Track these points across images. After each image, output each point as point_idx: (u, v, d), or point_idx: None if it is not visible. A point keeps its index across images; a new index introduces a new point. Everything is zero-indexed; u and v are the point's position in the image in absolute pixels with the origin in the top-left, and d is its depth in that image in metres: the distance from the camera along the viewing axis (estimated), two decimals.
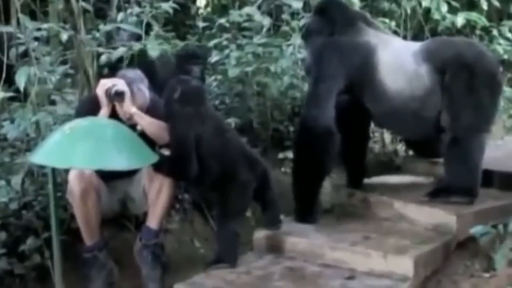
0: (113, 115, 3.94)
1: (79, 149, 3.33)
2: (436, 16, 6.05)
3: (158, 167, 3.81)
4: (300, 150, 4.37)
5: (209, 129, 3.86)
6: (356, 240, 4.01)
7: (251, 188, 3.93)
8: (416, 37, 6.27)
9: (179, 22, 7.16)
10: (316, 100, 4.28)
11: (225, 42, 5.45)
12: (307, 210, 4.36)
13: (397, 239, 4.02)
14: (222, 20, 5.53)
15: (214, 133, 3.87)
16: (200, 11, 7.70)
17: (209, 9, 7.77)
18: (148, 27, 5.28)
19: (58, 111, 4.36)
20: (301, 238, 4.09)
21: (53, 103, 4.54)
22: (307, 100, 4.44)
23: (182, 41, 5.73)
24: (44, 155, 3.38)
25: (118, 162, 3.40)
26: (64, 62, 4.61)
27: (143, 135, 3.86)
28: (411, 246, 3.89)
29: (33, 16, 4.59)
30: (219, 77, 5.64)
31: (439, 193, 4.37)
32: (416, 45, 4.50)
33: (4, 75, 4.50)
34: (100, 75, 4.53)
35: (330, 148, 4.26)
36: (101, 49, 4.52)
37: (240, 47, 5.33)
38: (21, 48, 4.17)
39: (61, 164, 3.37)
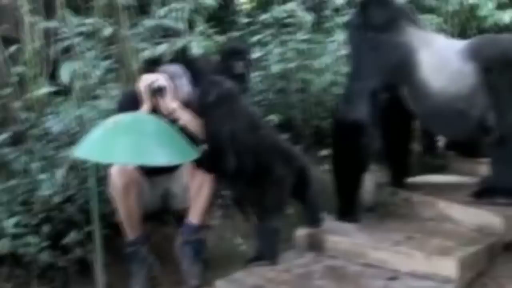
0: (154, 110, 3.92)
1: (120, 144, 3.34)
2: (483, 12, 5.92)
3: (199, 163, 3.79)
4: (335, 146, 4.35)
5: (243, 126, 3.84)
6: (399, 240, 3.93)
7: (288, 183, 3.89)
8: (462, 34, 6.17)
9: (222, 17, 7.12)
10: (349, 96, 4.27)
11: (267, 38, 5.39)
12: (348, 209, 4.30)
13: (441, 240, 3.93)
14: (265, 16, 5.48)
15: (247, 130, 3.85)
16: (244, 6, 7.67)
17: (252, 4, 7.74)
18: (192, 22, 5.29)
19: (101, 105, 4.37)
20: (342, 237, 4.03)
21: (96, 97, 4.54)
22: (341, 96, 4.43)
23: (225, 36, 5.70)
24: (86, 150, 3.40)
25: (159, 158, 3.40)
26: (107, 57, 4.60)
27: (184, 131, 3.84)
28: (455, 248, 3.80)
29: (77, 11, 4.60)
30: (261, 73, 5.59)
31: (484, 194, 4.26)
32: (460, 43, 4.39)
33: (49, 69, 4.57)
34: (143, 70, 4.53)
35: (363, 143, 4.21)
36: (143, 45, 4.50)
37: (282, 43, 5.28)
38: (65, 43, 4.17)
39: (102, 159, 3.38)
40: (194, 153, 3.60)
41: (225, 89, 3.91)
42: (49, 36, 4.55)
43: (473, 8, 5.98)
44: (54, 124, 4.02)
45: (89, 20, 4.17)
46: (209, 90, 3.86)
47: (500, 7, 5.95)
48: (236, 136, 3.79)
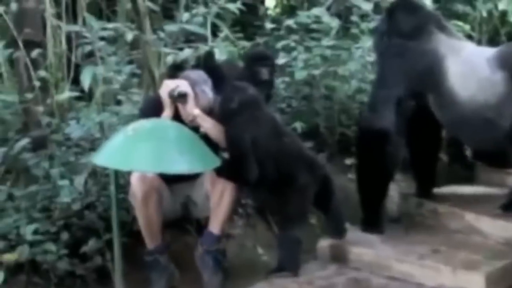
0: (176, 116, 3.89)
1: (141, 151, 3.31)
2: None
3: (220, 171, 3.74)
4: (360, 155, 4.31)
5: (265, 133, 3.80)
6: (424, 253, 3.87)
7: (311, 192, 3.83)
8: (492, 41, 6.07)
9: (247, 23, 7.08)
10: (374, 104, 4.23)
11: (292, 44, 5.34)
12: (373, 219, 4.24)
13: (468, 253, 3.86)
14: (290, 22, 5.43)
15: (270, 137, 3.81)
16: (269, 11, 7.62)
17: (278, 9, 7.69)
18: (216, 27, 5.27)
19: (123, 111, 4.35)
20: (366, 249, 3.97)
21: (119, 103, 4.53)
22: (366, 104, 4.39)
23: (250, 42, 5.66)
24: (106, 157, 3.37)
25: (179, 166, 3.37)
26: (130, 62, 4.59)
27: (206, 138, 3.81)
28: (482, 262, 3.73)
29: (99, 15, 4.59)
30: (286, 79, 5.53)
31: None
32: (489, 51, 4.29)
33: (72, 74, 4.55)
34: (166, 76, 4.50)
35: (388, 152, 4.15)
36: (167, 50, 4.47)
37: (308, 49, 5.22)
38: (87, 48, 4.15)
39: (122, 166, 3.35)
40: (215, 161, 3.56)
41: (248, 96, 3.87)
42: (72, 40, 4.52)
43: (503, 14, 5.86)
44: (74, 130, 3.98)
45: (111, 25, 4.13)
46: (232, 97, 3.82)
47: None
48: (259, 144, 3.75)
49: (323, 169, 3.95)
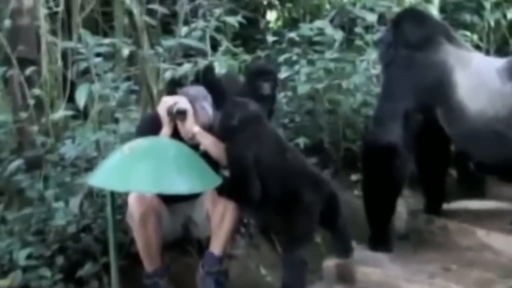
0: (175, 134, 3.81)
1: (138, 171, 3.22)
2: None
3: (221, 191, 3.65)
4: (366, 170, 4.25)
5: (268, 150, 3.71)
6: (434, 272, 3.79)
7: (317, 210, 3.74)
8: (500, 51, 5.99)
9: (248, 36, 7.03)
10: (380, 118, 4.17)
11: (295, 57, 5.26)
12: (381, 237, 4.15)
13: (480, 272, 3.77)
14: (292, 34, 5.35)
15: (273, 154, 3.72)
16: (271, 24, 7.56)
17: (279, 22, 7.63)
18: (216, 41, 5.20)
19: (121, 129, 4.27)
20: (374, 268, 3.88)
21: (116, 121, 4.44)
22: (372, 118, 4.33)
23: (251, 55, 5.58)
24: (102, 177, 3.28)
25: (179, 186, 3.27)
26: (128, 79, 4.51)
27: (206, 156, 3.72)
28: (495, 280, 3.64)
29: (95, 31, 4.51)
30: (288, 93, 5.45)
31: None
32: (499, 62, 4.21)
33: (68, 92, 4.47)
34: (165, 92, 4.42)
35: (395, 167, 4.08)
36: (165, 65, 4.39)
37: (310, 62, 5.14)
38: (83, 65, 4.07)
39: (119, 187, 3.26)
40: (216, 180, 3.46)
41: (249, 112, 3.79)
42: (67, 57, 4.45)
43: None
44: (69, 150, 3.89)
45: (106, 40, 4.04)
46: (232, 113, 3.74)
47: None
48: (261, 161, 3.66)
49: (329, 186, 3.86)
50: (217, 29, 5.14)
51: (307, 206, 3.70)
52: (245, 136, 3.69)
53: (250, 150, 3.65)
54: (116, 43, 4.12)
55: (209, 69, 4.52)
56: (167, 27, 5.53)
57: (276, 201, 3.70)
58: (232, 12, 6.01)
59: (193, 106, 3.82)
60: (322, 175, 4.03)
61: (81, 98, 3.71)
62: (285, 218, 3.71)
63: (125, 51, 4.05)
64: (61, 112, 3.91)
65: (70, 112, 4.05)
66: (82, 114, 4.25)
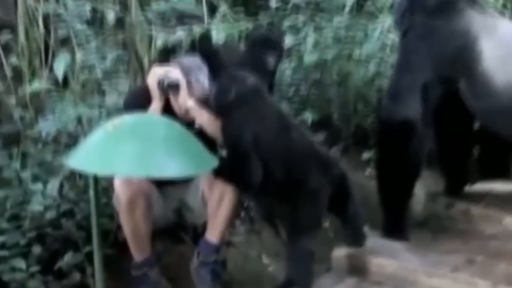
0: (167, 109, 3.57)
1: (123, 153, 2.91)
2: None
3: (218, 173, 3.36)
4: (381, 150, 3.99)
5: (269, 128, 3.43)
6: (458, 264, 3.53)
7: (325, 196, 3.47)
8: None
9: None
10: (396, 92, 3.89)
11: (301, 24, 4.94)
12: (396, 224, 3.90)
13: (508, 265, 3.52)
14: None
15: (275, 132, 3.44)
16: None
17: None
18: (214, 5, 4.89)
19: (107, 102, 3.99)
20: (389, 260, 3.60)
21: (104, 93, 4.16)
22: (387, 91, 4.06)
23: (253, 21, 5.26)
24: (82, 159, 2.98)
25: (168, 169, 2.96)
26: (116, 46, 4.22)
27: (201, 133, 3.44)
28: None
29: None
30: (293, 63, 5.12)
31: None
32: None
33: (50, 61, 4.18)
34: (156, 61, 4.13)
35: (413, 147, 3.81)
36: (156, 32, 4.09)
37: (318, 29, 4.82)
38: (63, 31, 3.76)
39: (101, 170, 2.95)
40: (212, 162, 3.17)
41: (247, 86, 3.50)
42: (48, 23, 4.14)
43: None
44: (47, 126, 3.59)
45: (88, 4, 3.73)
46: (228, 87, 3.43)
47: None
48: (262, 141, 3.37)
49: (339, 168, 3.58)
50: None
51: (314, 191, 3.43)
52: (242, 113, 3.41)
53: (249, 129, 3.37)
54: (100, 7, 3.78)
55: (206, 37, 4.21)
56: None
57: (280, 186, 3.42)
58: None
59: (187, 78, 3.55)
60: (332, 155, 3.71)
61: (59, 68, 3.41)
62: (290, 204, 3.43)
63: (110, 16, 3.73)
64: (38, 84, 3.60)
65: (47, 85, 3.73)
66: (63, 86, 3.96)
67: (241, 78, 3.50)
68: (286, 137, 3.45)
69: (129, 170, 2.94)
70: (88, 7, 3.72)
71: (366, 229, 3.77)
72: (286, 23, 5.09)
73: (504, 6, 5.44)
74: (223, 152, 3.54)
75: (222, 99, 3.43)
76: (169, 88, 3.49)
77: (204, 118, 3.52)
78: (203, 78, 3.58)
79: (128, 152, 2.91)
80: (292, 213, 3.42)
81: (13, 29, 4.20)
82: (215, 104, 3.45)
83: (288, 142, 3.44)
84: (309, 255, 3.43)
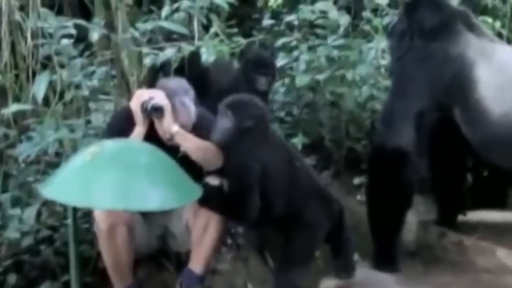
0: (152, 133, 3.36)
1: (101, 183, 2.75)
2: None
3: (204, 201, 3.19)
4: (372, 177, 3.85)
5: (276, 158, 3.26)
6: None
7: (322, 232, 3.33)
8: None
9: (245, 15, 6.52)
10: (390, 119, 3.75)
11: (294, 42, 4.76)
12: (386, 255, 3.74)
13: None
14: (291, 17, 4.84)
15: (281, 163, 3.27)
16: (270, 3, 7.05)
17: (279, 0, 7.11)
18: (209, 22, 4.72)
19: (94, 122, 3.81)
20: None
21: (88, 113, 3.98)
22: (381, 117, 3.94)
23: (247, 38, 5.08)
24: (58, 188, 2.80)
25: (150, 202, 2.81)
26: (93, 65, 4.04)
27: (186, 160, 3.26)
28: None
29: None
30: (286, 82, 4.94)
31: None
32: None
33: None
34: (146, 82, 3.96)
35: (405, 177, 3.67)
36: (145, 50, 3.90)
37: (311, 48, 4.64)
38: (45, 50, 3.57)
39: (78, 202, 2.78)
40: (195, 192, 2.99)
41: (261, 110, 3.32)
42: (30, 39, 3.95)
43: None
44: (24, 150, 3.39)
45: (69, 22, 3.53)
46: (245, 112, 3.26)
47: None
48: (270, 171, 3.20)
49: (339, 204, 3.44)
50: (210, 9, 4.66)
51: (313, 225, 3.29)
52: (254, 141, 3.23)
53: (259, 160, 3.19)
54: (83, 25, 3.59)
55: (195, 56, 4.02)
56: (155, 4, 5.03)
57: (279, 216, 3.26)
58: None
59: (172, 102, 3.34)
60: (330, 191, 3.54)
61: (39, 89, 3.21)
62: (286, 235, 3.29)
63: (94, 35, 3.55)
64: (13, 107, 3.41)
65: (24, 106, 3.53)
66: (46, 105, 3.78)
67: (251, 102, 3.34)
68: (292, 169, 3.29)
69: (107, 202, 2.77)
70: (69, 23, 3.51)
71: (356, 257, 3.63)
72: (279, 42, 4.92)
73: (502, 26, 5.29)
74: (211, 180, 3.35)
75: (241, 124, 3.24)
76: (153, 112, 3.29)
77: (190, 144, 3.34)
78: (188, 102, 3.40)
79: (106, 182, 2.74)
80: (287, 244, 3.28)
81: None
82: (235, 130, 3.25)
83: (292, 175, 3.28)
84: None
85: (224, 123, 3.27)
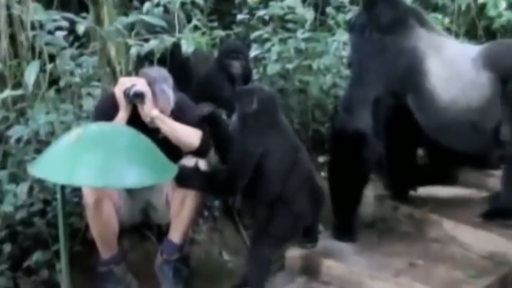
0: (136, 117, 3.19)
1: (84, 163, 2.59)
2: (491, 13, 5.08)
3: (180, 182, 3.03)
4: (333, 158, 3.66)
5: (280, 145, 3.11)
6: (400, 268, 3.23)
7: (303, 224, 3.18)
8: (468, 34, 5.36)
9: (226, 11, 6.32)
10: (350, 105, 3.55)
11: (266, 35, 4.58)
12: (345, 227, 3.58)
13: (447, 269, 3.22)
14: (262, 12, 4.66)
15: (284, 150, 3.12)
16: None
17: None
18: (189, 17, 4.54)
19: (85, 107, 3.64)
20: (338, 262, 3.30)
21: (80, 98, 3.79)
22: (341, 103, 3.72)
23: (225, 32, 4.90)
24: (45, 167, 2.65)
25: (128, 179, 2.65)
26: (82, 55, 3.85)
27: (166, 141, 3.11)
28: (464, 280, 3.10)
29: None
30: (260, 70, 4.76)
31: (495, 215, 3.50)
32: (473, 49, 3.58)
33: None
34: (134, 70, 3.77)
35: (364, 157, 3.49)
36: (131, 41, 3.72)
37: (282, 41, 4.47)
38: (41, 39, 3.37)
39: (61, 179, 2.61)
40: (171, 172, 2.83)
41: (267, 95, 3.21)
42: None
43: (482, 7, 5.14)
44: (16, 132, 3.21)
45: (57, 16, 3.34)
46: (251, 98, 3.11)
47: (511, 7, 5.09)
48: (273, 156, 3.06)
49: (324, 197, 3.30)
50: (193, 3, 4.49)
51: (296, 215, 3.12)
52: (262, 125, 3.09)
53: (262, 145, 3.05)
54: (72, 18, 3.40)
55: (176, 47, 3.85)
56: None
57: (271, 197, 3.11)
58: None
59: (152, 89, 3.18)
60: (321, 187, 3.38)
61: (30, 78, 3.03)
62: (270, 214, 3.11)
63: (81, 28, 3.36)
64: (7, 92, 3.22)
65: (17, 92, 3.34)
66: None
67: (260, 89, 3.27)
68: (293, 158, 3.14)
69: (89, 180, 2.62)
70: (58, 17, 3.32)
71: (319, 228, 3.48)
72: (253, 35, 4.74)
73: (451, 22, 5.15)
74: (186, 161, 3.19)
75: (245, 111, 3.12)
76: (134, 98, 3.13)
77: (168, 127, 3.19)
78: (168, 89, 3.23)
79: (88, 161, 2.59)
80: (268, 221, 3.10)
81: None
82: (239, 117, 3.15)
83: (292, 164, 3.13)
84: (267, 262, 3.15)
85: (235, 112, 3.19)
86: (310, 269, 3.33)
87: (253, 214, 3.30)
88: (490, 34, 5.27)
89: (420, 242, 3.52)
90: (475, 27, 5.37)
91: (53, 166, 2.61)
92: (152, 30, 3.82)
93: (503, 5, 4.93)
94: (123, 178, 2.62)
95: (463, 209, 3.68)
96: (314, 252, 3.35)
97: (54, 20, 3.27)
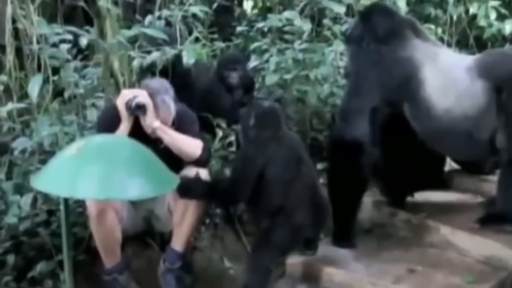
0: (138, 128, 3.06)
1: (85, 175, 2.44)
2: (482, 23, 4.95)
3: (182, 192, 2.91)
4: (332, 166, 3.51)
5: (282, 156, 2.97)
6: (399, 274, 3.08)
7: (303, 236, 3.03)
8: (459, 43, 5.24)
9: (225, 23, 6.19)
10: (347, 114, 3.42)
11: (264, 47, 4.45)
12: (344, 234, 3.43)
13: (445, 275, 3.07)
14: (261, 24, 4.53)
15: (286, 162, 2.97)
16: (248, 11, 6.72)
17: (255, 10, 6.78)
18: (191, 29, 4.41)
19: (89, 118, 3.50)
20: (338, 269, 3.16)
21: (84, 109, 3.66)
22: (339, 112, 3.57)
23: (225, 43, 4.77)
24: (46, 180, 2.50)
25: (129, 191, 2.49)
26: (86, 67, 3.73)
27: (167, 152, 2.96)
28: (462, 286, 2.96)
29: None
30: (258, 80, 4.62)
31: (491, 220, 3.35)
32: (468, 59, 3.45)
33: None
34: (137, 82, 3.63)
35: (361, 166, 3.35)
36: (133, 54, 3.58)
37: (280, 51, 4.33)
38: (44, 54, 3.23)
39: (64, 193, 2.46)
40: (172, 183, 2.68)
41: (266, 109, 3.10)
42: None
43: (473, 18, 5.01)
44: (20, 143, 3.07)
45: (60, 29, 3.20)
46: (250, 113, 3.04)
47: (501, 17, 4.97)
48: (275, 165, 2.93)
49: (328, 212, 3.15)
50: (194, 16, 4.35)
51: (297, 227, 2.97)
52: (263, 137, 2.97)
53: (264, 156, 2.93)
54: (75, 31, 3.27)
55: (178, 58, 3.71)
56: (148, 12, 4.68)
57: (273, 207, 2.96)
58: (209, 0, 5.22)
59: (154, 100, 3.05)
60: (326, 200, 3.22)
61: (34, 90, 2.89)
62: (272, 223, 2.96)
63: (83, 41, 3.22)
64: (11, 105, 3.08)
65: (20, 105, 3.20)
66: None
67: (259, 105, 3.19)
68: (295, 171, 2.99)
69: (90, 192, 2.46)
70: (61, 30, 3.18)
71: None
72: (252, 46, 4.60)
73: (443, 32, 5.03)
74: (187, 172, 3.05)
75: (245, 125, 3.03)
76: (136, 110, 2.99)
77: (170, 138, 3.05)
78: (169, 100, 3.09)
79: (90, 174, 2.43)
80: (269, 230, 2.96)
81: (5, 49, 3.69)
82: (241, 131, 3.09)
83: (295, 176, 2.98)
84: (268, 271, 2.99)
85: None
86: (310, 276, 3.18)
87: (256, 222, 3.17)
88: (481, 44, 5.16)
89: (418, 248, 3.37)
90: (467, 36, 5.26)
91: (55, 180, 2.45)
92: (154, 42, 3.70)
93: (493, 15, 4.80)
94: (125, 190, 2.46)
95: (459, 214, 3.53)
96: (315, 259, 3.19)
97: (58, 34, 3.12)
